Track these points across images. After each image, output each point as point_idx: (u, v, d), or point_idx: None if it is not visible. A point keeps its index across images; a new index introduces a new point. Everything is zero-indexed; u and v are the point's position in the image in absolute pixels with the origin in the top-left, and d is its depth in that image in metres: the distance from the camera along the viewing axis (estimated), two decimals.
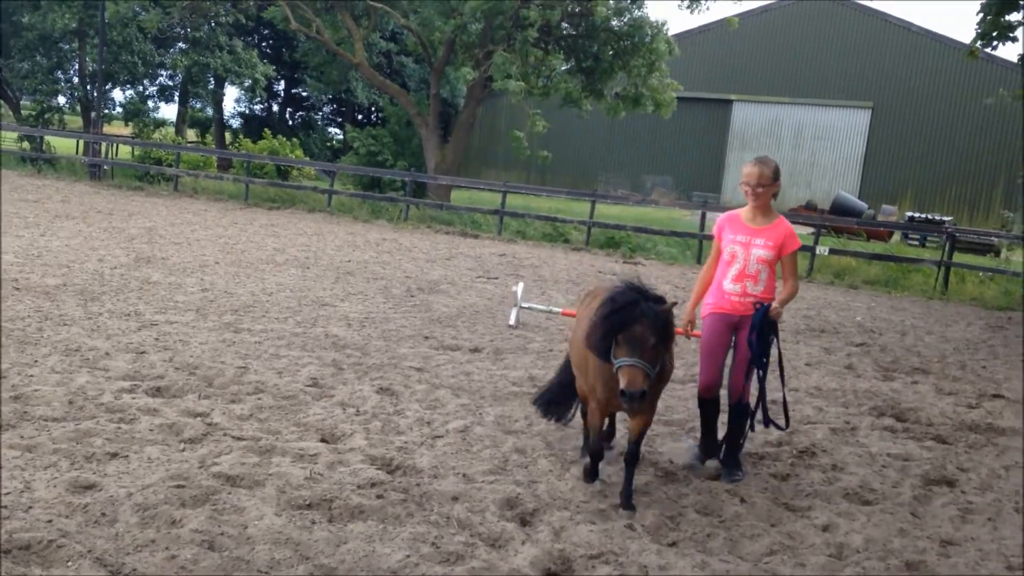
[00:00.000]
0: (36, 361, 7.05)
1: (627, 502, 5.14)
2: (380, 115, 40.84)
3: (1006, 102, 16.81)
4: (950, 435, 7.45)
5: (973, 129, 37.05)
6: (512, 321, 10.65)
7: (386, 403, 6.91)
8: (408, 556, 4.27)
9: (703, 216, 21.28)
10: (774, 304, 5.65)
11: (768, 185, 5.63)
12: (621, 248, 20.79)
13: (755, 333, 5.67)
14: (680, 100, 27.13)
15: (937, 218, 30.68)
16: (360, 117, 45.39)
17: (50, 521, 4.25)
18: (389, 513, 4.77)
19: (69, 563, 3.91)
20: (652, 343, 4.68)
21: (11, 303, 9.05)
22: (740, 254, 5.72)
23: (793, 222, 24.97)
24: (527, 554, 4.43)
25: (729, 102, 41.47)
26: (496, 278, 14.71)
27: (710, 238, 20.47)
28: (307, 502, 4.79)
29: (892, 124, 38.70)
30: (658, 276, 17.03)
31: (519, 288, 10.89)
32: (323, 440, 5.94)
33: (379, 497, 4.97)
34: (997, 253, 25.81)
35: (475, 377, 8.02)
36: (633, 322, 4.67)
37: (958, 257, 20.78)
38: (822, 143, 40.41)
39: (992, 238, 25.76)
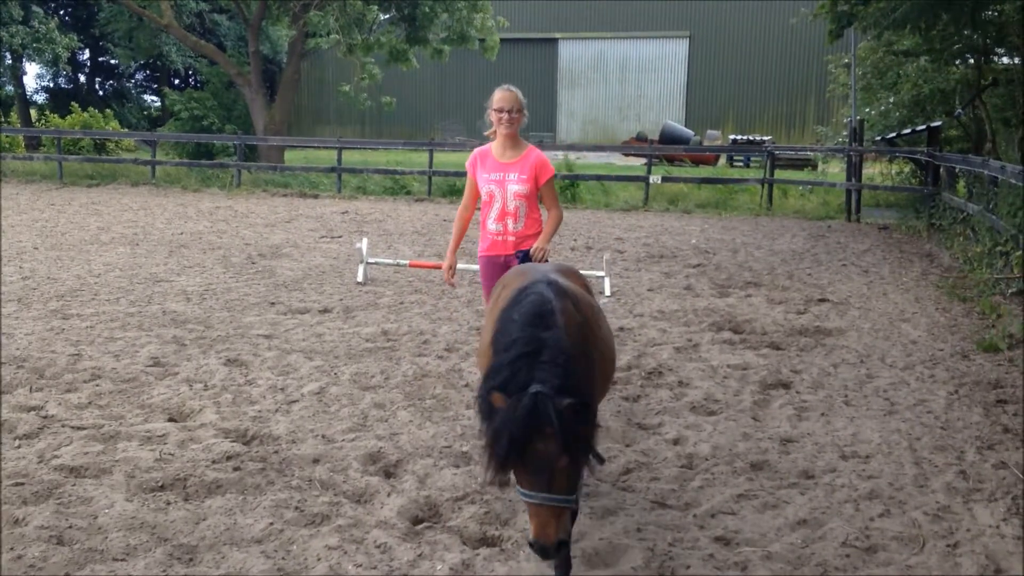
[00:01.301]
0: None
1: None
2: (198, 79, 38.89)
3: (808, 21, 17.77)
4: (783, 341, 7.96)
5: (783, 50, 39.08)
6: (360, 278, 10.51)
7: (235, 374, 6.71)
8: (271, 523, 4.21)
9: None
10: (536, 245, 5.32)
11: (520, 111, 5.40)
12: (461, 192, 20.83)
13: None
14: (507, 42, 27.23)
15: (758, 138, 32.31)
16: (177, 82, 43.09)
17: None
18: (248, 484, 4.67)
19: None
20: (564, 463, 3.05)
21: None
22: (497, 193, 5.42)
23: (625, 154, 25.71)
24: (393, 505, 4.44)
25: (555, 40, 41.94)
26: (340, 236, 14.45)
27: None
28: (159, 484, 4.62)
29: (709, 51, 40.30)
30: None
31: (364, 244, 10.75)
32: (171, 419, 5.72)
33: (236, 469, 4.85)
34: (814, 166, 27.51)
35: (327, 338, 7.90)
36: (533, 438, 3.01)
37: (779, 174, 22.01)
38: (647, 75, 41.61)
39: (808, 152, 27.40)
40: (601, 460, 3.31)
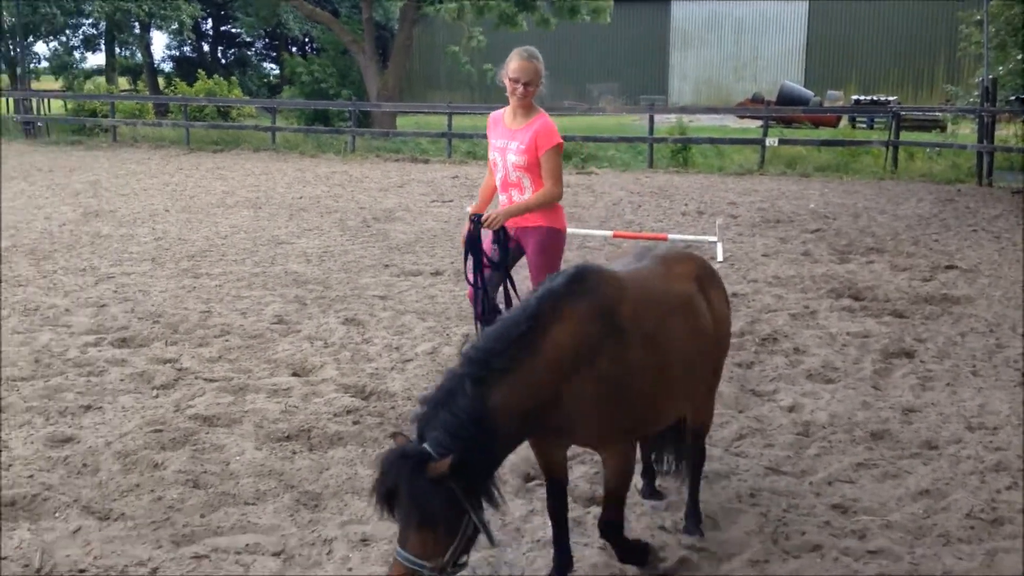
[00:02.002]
0: None
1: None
2: (314, 46, 39.78)
3: None
4: (907, 309, 7.67)
5: (910, 7, 37.08)
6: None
7: (353, 333, 6.94)
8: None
9: (651, 119, 21.20)
10: (491, 211, 4.93)
11: (537, 83, 4.90)
12: (572, 159, 20.71)
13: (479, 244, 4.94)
14: (618, 3, 26.72)
15: (882, 99, 30.88)
16: (295, 50, 44.18)
17: (31, 476, 4.28)
18: (367, 437, 4.86)
19: (56, 514, 3.95)
20: (415, 525, 2.83)
21: None
22: (499, 161, 5.04)
23: (741, 116, 24.88)
24: (505, 462, 4.51)
25: (667, 1, 40.96)
26: (451, 201, 14.64)
27: (660, 140, 20.54)
28: (285, 434, 4.85)
29: (831, 9, 38.57)
30: (612, 183, 17.07)
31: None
32: (295, 374, 5.98)
33: (355, 423, 5.04)
34: (943, 128, 26.14)
35: (439, 300, 8.06)
36: (394, 495, 2.86)
37: (905, 135, 21.03)
38: (764, 35, 40.21)
39: (937, 113, 26.04)
40: (491, 540, 2.99)
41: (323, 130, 24.71)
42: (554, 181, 4.89)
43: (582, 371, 3.09)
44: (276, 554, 3.66)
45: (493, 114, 5.23)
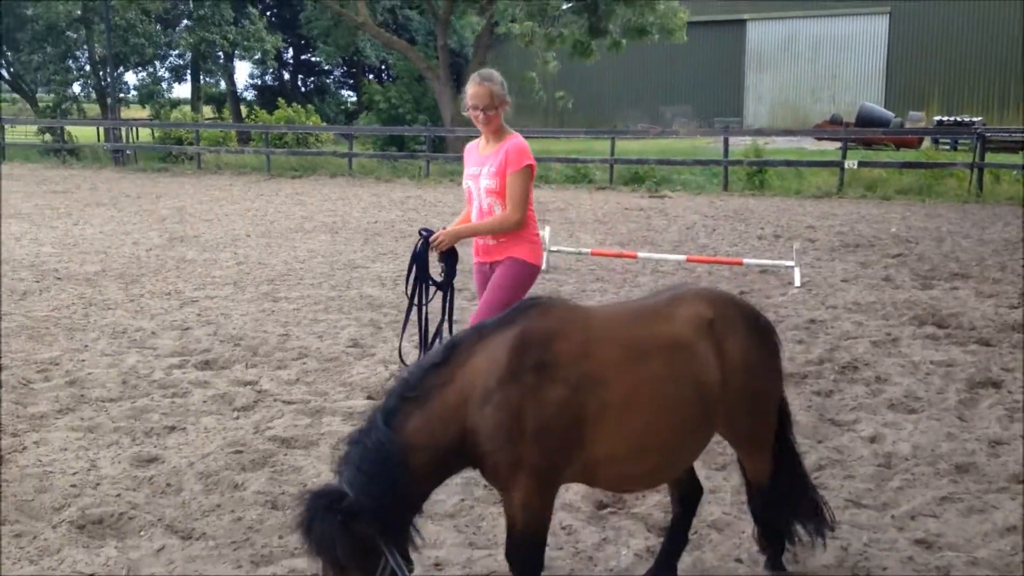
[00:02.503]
0: (86, 346, 7.24)
1: None
2: (391, 73, 40.58)
3: None
4: (993, 337, 7.41)
5: (996, 24, 35.99)
6: (543, 266, 10.67)
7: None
8: (463, 500, 4.40)
9: (726, 142, 21.01)
10: (440, 232, 4.66)
11: (496, 106, 4.57)
12: (646, 183, 20.66)
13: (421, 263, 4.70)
14: (691, 25, 26.64)
15: (966, 119, 30.03)
16: (372, 77, 45.13)
17: (119, 495, 4.43)
18: None
19: (142, 532, 4.08)
20: (330, 564, 2.78)
21: (54, 292, 9.25)
22: (473, 189, 4.74)
23: (818, 138, 24.39)
24: (578, 489, 4.50)
25: (743, 22, 40.63)
26: None
27: (736, 163, 20.31)
28: None
29: (912, 27, 37.73)
30: (686, 206, 16.94)
31: (546, 232, 10.91)
32: (369, 397, 6.07)
33: None
34: None
35: None
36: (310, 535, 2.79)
37: (991, 157, 20.36)
38: (842, 54, 39.53)
39: None
40: None
41: (398, 155, 25.16)
42: (514, 206, 4.51)
43: (498, 404, 2.91)
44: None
45: (469, 144, 4.98)
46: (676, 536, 3.66)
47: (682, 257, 10.60)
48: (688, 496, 3.66)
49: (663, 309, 3.35)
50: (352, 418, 5.59)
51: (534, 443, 2.93)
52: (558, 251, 10.94)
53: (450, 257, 4.78)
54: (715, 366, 3.24)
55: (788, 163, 20.83)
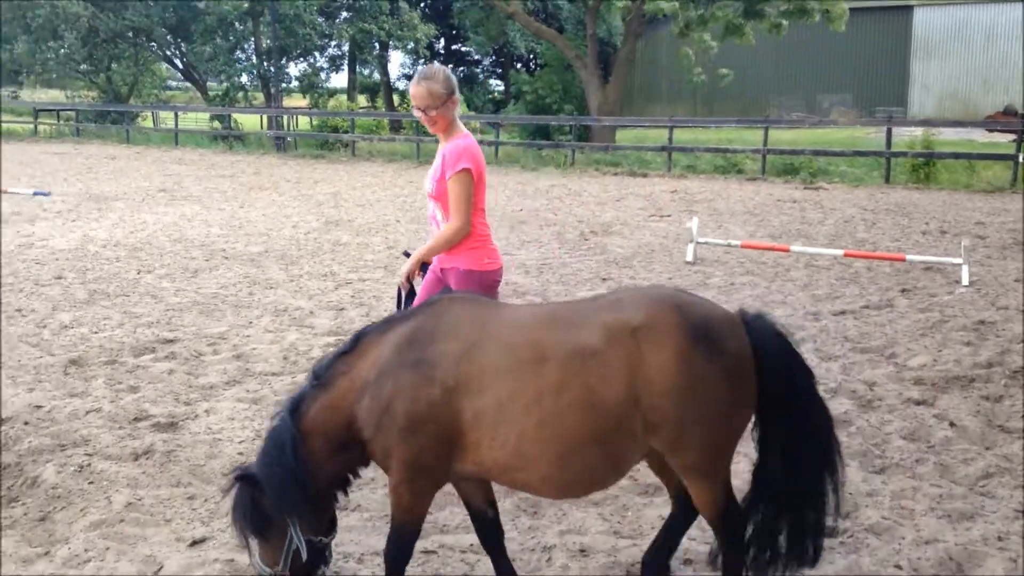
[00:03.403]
0: (251, 322, 7.66)
1: None
2: (538, 62, 40.78)
3: None
4: None
5: None
6: (689, 257, 10.51)
7: None
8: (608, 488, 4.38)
9: (889, 132, 19.99)
10: (413, 257, 4.30)
11: (443, 104, 4.15)
12: (800, 174, 19.94)
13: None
14: (853, 11, 25.44)
15: None
16: (519, 66, 45.50)
17: None
18: None
19: None
20: (252, 535, 3.13)
21: (222, 271, 9.83)
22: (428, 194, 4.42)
23: (989, 130, 22.81)
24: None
25: (909, 8, 38.52)
26: (669, 215, 14.51)
27: (899, 155, 19.29)
28: None
29: None
30: (843, 199, 16.26)
31: (694, 224, 10.71)
32: None
33: None
34: None
35: None
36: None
37: None
38: (1017, 42, 36.81)
39: None
40: (302, 554, 3.10)
41: (544, 144, 25.29)
42: (455, 213, 4.10)
43: (368, 390, 3.02)
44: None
45: None
46: (668, 534, 3.47)
47: (839, 252, 10.17)
48: (684, 498, 3.29)
49: (589, 312, 3.08)
50: None
51: (403, 438, 2.97)
52: (706, 243, 10.72)
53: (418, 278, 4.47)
54: (624, 379, 2.90)
55: (957, 155, 19.60)
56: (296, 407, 3.10)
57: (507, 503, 4.24)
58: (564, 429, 2.91)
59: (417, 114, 4.20)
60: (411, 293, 4.40)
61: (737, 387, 2.99)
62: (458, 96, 4.25)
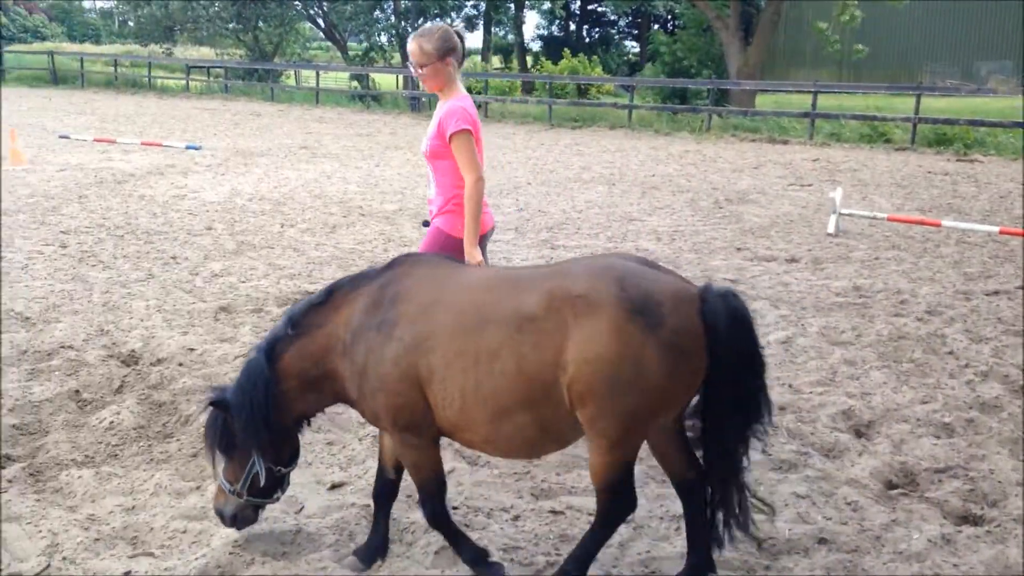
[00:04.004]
0: None
1: None
2: (676, 23, 39.81)
3: None
4: None
5: None
6: (831, 229, 10.12)
7: None
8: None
9: None
10: (466, 248, 4.23)
11: (433, 63, 4.19)
12: (954, 145, 18.81)
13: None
14: None
15: None
16: (656, 27, 44.57)
17: None
18: None
19: None
20: (220, 453, 3.45)
21: (359, 227, 10.13)
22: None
23: None
24: (865, 465, 4.28)
25: None
26: (810, 185, 13.98)
27: None
28: None
29: None
30: (1000, 173, 15.27)
31: (837, 194, 10.28)
32: None
33: None
34: None
35: (794, 288, 7.77)
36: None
37: None
38: None
39: None
40: (260, 479, 3.36)
41: (679, 108, 24.74)
42: (466, 170, 4.21)
43: (348, 353, 3.18)
44: (627, 521, 3.77)
45: None
46: (693, 528, 3.28)
47: (994, 228, 9.57)
48: (686, 485, 3.23)
49: (537, 278, 3.07)
50: None
51: (378, 396, 3.13)
52: (849, 215, 10.29)
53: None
54: (554, 346, 2.89)
55: None
56: (272, 347, 3.32)
57: (636, 470, 4.23)
58: (496, 392, 2.96)
59: (415, 71, 4.28)
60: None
61: (674, 362, 2.87)
62: (454, 58, 4.25)
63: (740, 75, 25.65)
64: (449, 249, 4.23)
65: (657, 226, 10.56)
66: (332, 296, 3.31)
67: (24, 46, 53.87)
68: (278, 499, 3.55)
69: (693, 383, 3.00)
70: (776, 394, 5.21)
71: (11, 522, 3.70)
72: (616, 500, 3.09)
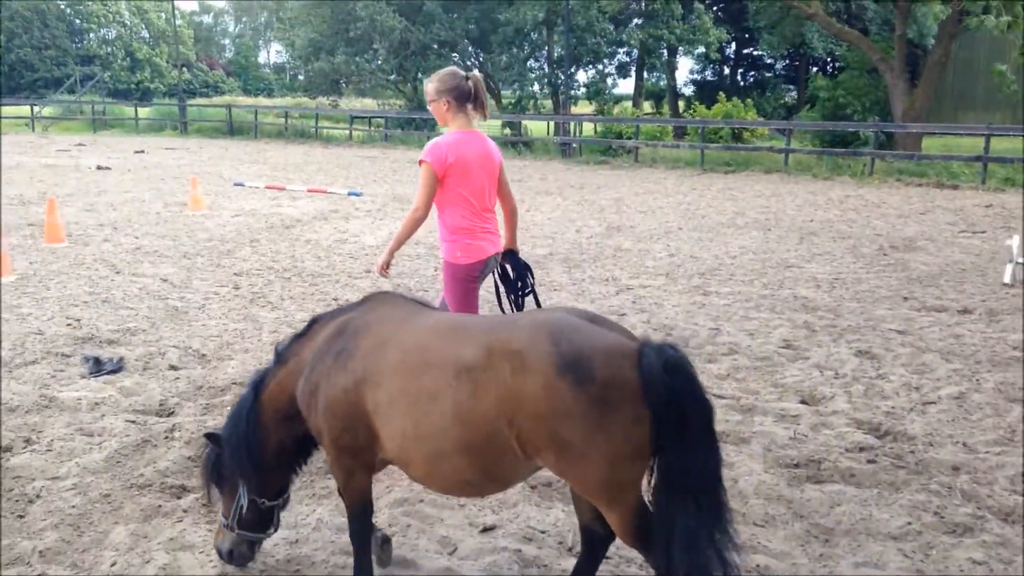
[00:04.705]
0: None
1: None
2: (837, 65, 38.66)
3: None
4: None
5: None
6: (1007, 279, 9.48)
7: (866, 366, 6.59)
8: (909, 523, 4.06)
9: None
10: (381, 257, 5.04)
11: (432, 102, 4.75)
12: None
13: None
14: None
15: None
16: (815, 70, 43.42)
17: None
18: (883, 479, 4.57)
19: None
20: (210, 491, 3.77)
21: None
22: None
23: None
24: None
25: None
26: (983, 232, 13.17)
27: None
28: (795, 462, 4.78)
29: None
30: None
31: (1014, 241, 9.64)
32: (803, 402, 5.87)
33: (870, 462, 4.78)
34: None
35: (967, 340, 7.30)
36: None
37: None
38: None
39: None
40: (241, 514, 3.55)
41: (840, 152, 23.90)
42: (415, 198, 4.72)
43: (307, 378, 3.33)
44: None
45: None
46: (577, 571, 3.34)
47: None
48: (591, 538, 3.28)
49: (484, 329, 3.08)
50: (784, 420, 5.45)
51: (325, 419, 3.26)
52: None
53: (517, 268, 5.08)
54: (493, 399, 2.89)
55: None
56: (260, 380, 3.55)
57: (796, 527, 4.06)
58: (434, 434, 3.03)
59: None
60: (504, 276, 5.01)
61: (611, 415, 2.79)
62: (451, 98, 4.69)
63: (906, 117, 24.59)
64: (450, 276, 4.74)
65: (816, 273, 10.20)
66: (311, 328, 3.52)
67: (205, 100, 58.34)
68: (271, 535, 3.71)
69: (637, 434, 2.81)
70: (949, 452, 4.91)
71: (186, 550, 3.93)
72: (650, 539, 2.93)
